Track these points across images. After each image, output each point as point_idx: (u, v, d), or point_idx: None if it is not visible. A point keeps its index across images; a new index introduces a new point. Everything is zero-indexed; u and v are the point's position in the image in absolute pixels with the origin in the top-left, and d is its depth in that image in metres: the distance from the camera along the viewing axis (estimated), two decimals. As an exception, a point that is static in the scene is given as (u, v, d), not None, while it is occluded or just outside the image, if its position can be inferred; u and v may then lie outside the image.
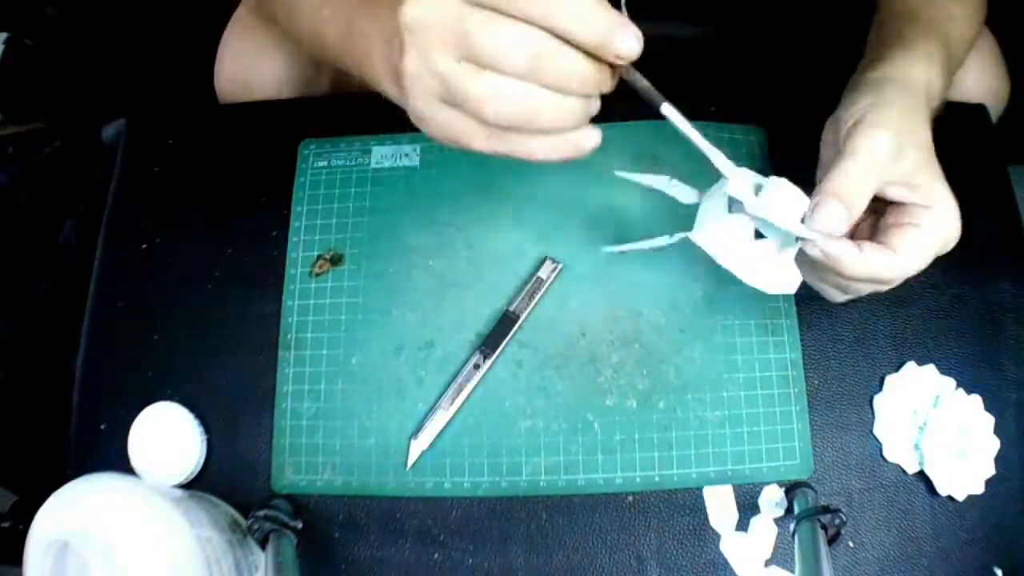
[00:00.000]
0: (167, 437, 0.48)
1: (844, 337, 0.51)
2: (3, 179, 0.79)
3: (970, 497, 0.48)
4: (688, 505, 0.48)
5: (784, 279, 0.42)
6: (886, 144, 0.39)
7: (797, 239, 0.40)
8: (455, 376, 0.49)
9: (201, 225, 0.54)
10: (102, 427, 0.50)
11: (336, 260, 0.53)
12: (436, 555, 0.47)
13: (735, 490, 0.48)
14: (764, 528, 0.47)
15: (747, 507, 0.48)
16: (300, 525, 0.45)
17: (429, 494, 0.48)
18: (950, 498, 0.48)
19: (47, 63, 0.87)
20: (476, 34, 0.31)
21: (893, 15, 0.48)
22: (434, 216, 0.53)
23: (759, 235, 0.41)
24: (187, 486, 0.48)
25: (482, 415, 0.49)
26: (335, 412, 0.49)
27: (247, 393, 0.50)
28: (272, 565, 0.41)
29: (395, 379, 0.50)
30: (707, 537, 0.47)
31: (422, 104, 0.34)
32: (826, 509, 0.42)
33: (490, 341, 0.49)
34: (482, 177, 0.54)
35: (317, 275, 0.52)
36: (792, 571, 0.46)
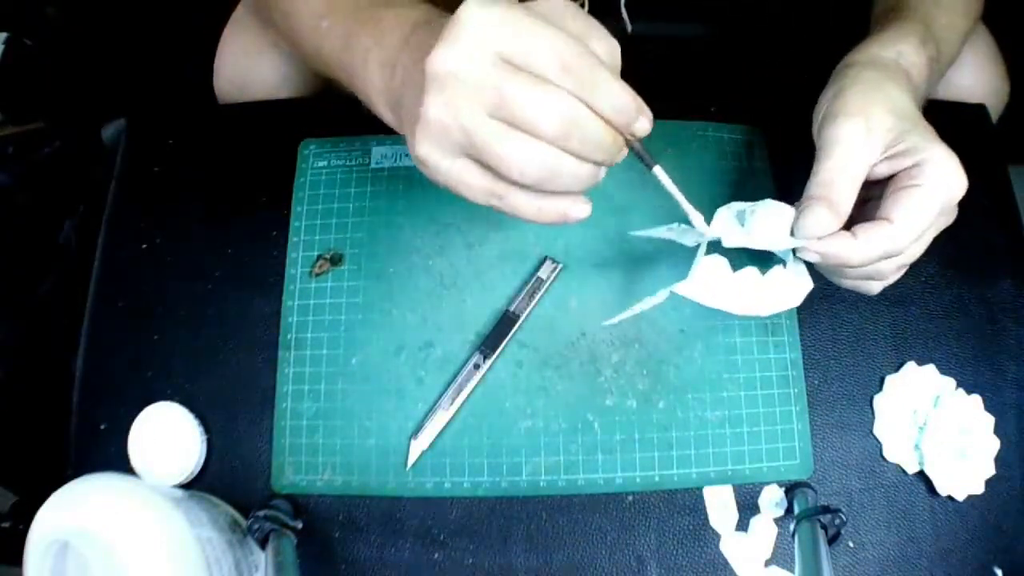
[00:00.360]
0: (167, 437, 0.48)
1: (844, 337, 0.51)
2: (3, 179, 0.79)
3: (970, 497, 0.48)
4: (688, 505, 0.48)
5: (780, 297, 0.42)
6: (853, 131, 0.39)
7: (794, 253, 0.40)
8: (455, 376, 0.49)
9: (201, 225, 0.54)
10: (102, 427, 0.50)
11: (336, 260, 0.53)
12: (436, 555, 0.47)
13: (735, 490, 0.48)
14: (764, 528, 0.47)
15: (747, 507, 0.48)
16: (300, 525, 0.45)
17: (429, 494, 0.48)
18: (950, 498, 0.48)
19: (47, 63, 0.87)
20: (514, 96, 0.31)
21: (882, 10, 0.49)
22: (434, 216, 0.53)
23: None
24: (187, 486, 0.48)
25: (482, 415, 0.49)
26: (335, 412, 0.49)
27: (247, 393, 0.50)
28: (272, 565, 0.41)
29: (395, 379, 0.50)
30: (707, 537, 0.47)
31: (434, 152, 0.34)
32: (826, 509, 0.42)
33: (490, 341, 0.49)
34: (482, 177, 0.54)
35: (317, 275, 0.52)
36: (792, 571, 0.46)
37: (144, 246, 0.54)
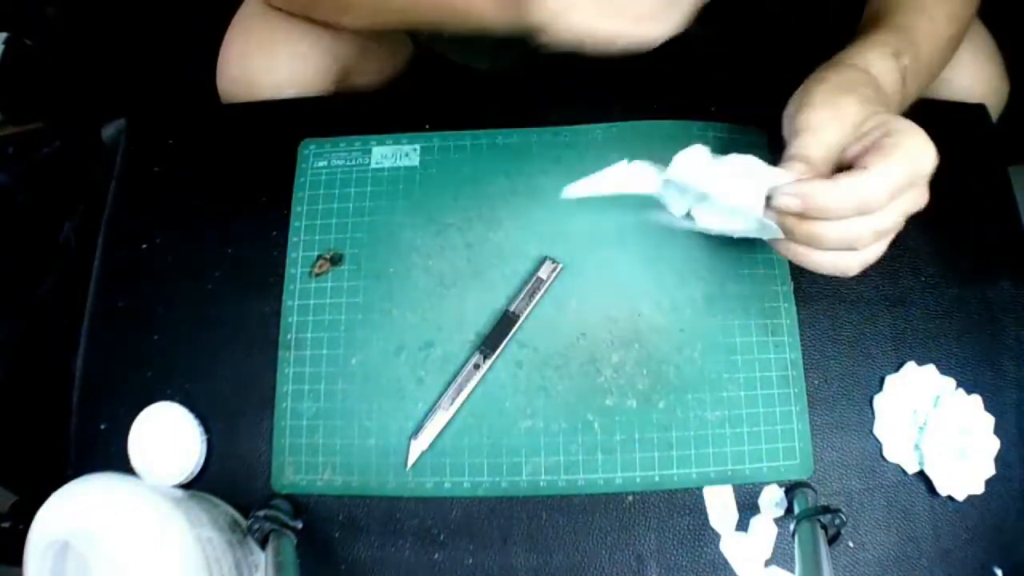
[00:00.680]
0: (167, 437, 0.48)
1: (844, 337, 0.51)
2: (3, 179, 0.79)
3: (970, 497, 0.48)
4: (688, 505, 0.48)
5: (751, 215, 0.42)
6: (822, 116, 0.40)
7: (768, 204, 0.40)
8: (455, 376, 0.49)
9: (201, 225, 0.54)
10: (102, 427, 0.50)
11: (336, 260, 0.53)
12: (436, 555, 0.47)
13: (735, 490, 0.48)
14: (764, 528, 0.47)
15: (747, 507, 0.48)
16: (300, 525, 0.45)
17: (429, 494, 0.48)
18: (950, 498, 0.48)
19: (47, 63, 0.87)
20: None
21: (866, 18, 0.49)
22: (434, 216, 0.53)
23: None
24: (187, 486, 0.48)
25: (482, 415, 0.49)
26: (335, 412, 0.49)
27: (247, 393, 0.50)
28: (272, 565, 0.41)
29: (395, 379, 0.50)
30: (707, 537, 0.47)
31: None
32: (826, 509, 0.42)
33: (490, 341, 0.49)
34: (482, 177, 0.54)
35: (317, 275, 0.52)
36: (792, 571, 0.46)
37: (144, 246, 0.54)
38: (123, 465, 0.48)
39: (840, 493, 0.48)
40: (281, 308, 0.52)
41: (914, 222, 0.53)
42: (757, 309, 0.51)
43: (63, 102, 0.90)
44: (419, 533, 0.48)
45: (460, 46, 0.70)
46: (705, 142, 0.54)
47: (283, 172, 0.55)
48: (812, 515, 0.42)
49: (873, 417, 0.49)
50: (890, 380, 0.50)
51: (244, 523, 0.45)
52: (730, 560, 0.47)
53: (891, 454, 0.48)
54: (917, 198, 0.40)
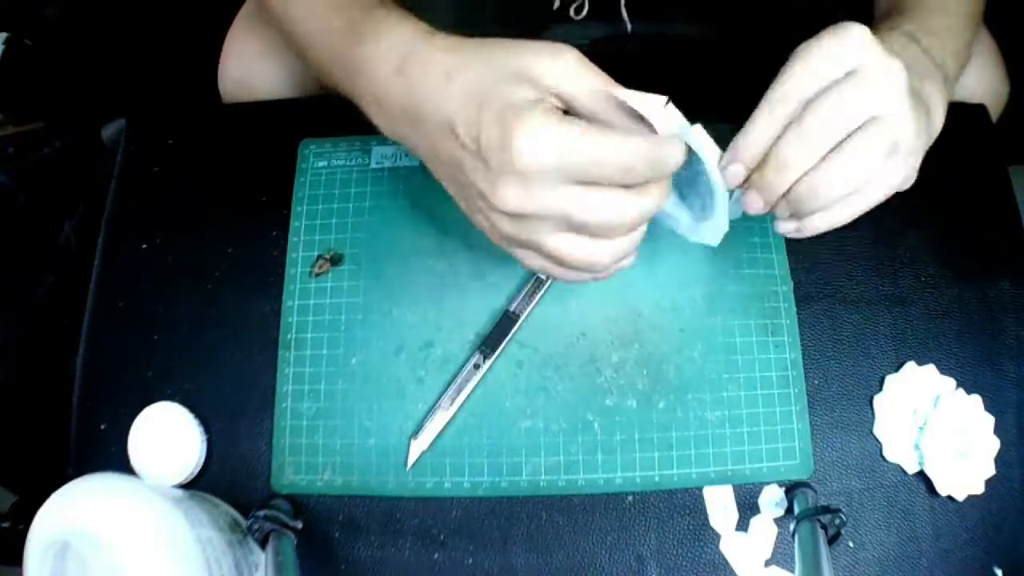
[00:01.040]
0: (167, 437, 0.48)
1: (844, 337, 0.51)
2: (3, 179, 0.79)
3: (970, 497, 0.48)
4: (688, 505, 0.48)
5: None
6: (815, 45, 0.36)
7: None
8: (455, 376, 0.49)
9: (201, 225, 0.54)
10: (102, 427, 0.50)
11: (336, 260, 0.53)
12: (436, 555, 0.47)
13: (735, 490, 0.48)
14: (764, 528, 0.47)
15: (747, 507, 0.48)
16: (300, 525, 0.45)
17: (429, 494, 0.48)
18: (950, 498, 0.48)
19: (47, 63, 0.87)
20: (581, 217, 0.34)
21: (876, 18, 0.49)
22: (434, 216, 0.53)
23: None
24: (187, 486, 0.48)
25: (482, 415, 0.49)
26: (335, 412, 0.49)
27: (247, 393, 0.50)
28: (272, 565, 0.41)
29: (395, 379, 0.50)
30: (707, 537, 0.47)
31: (506, 244, 0.38)
32: (826, 509, 0.42)
33: (490, 341, 0.49)
34: (482, 177, 0.54)
35: (317, 275, 0.52)
36: (792, 571, 0.46)
37: (144, 246, 0.54)
38: (123, 465, 0.48)
39: (840, 493, 0.48)
40: (281, 308, 0.52)
41: (914, 222, 0.53)
42: (757, 309, 0.51)
43: (63, 102, 0.90)
44: (419, 533, 0.48)
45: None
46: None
47: (283, 172, 0.55)
48: (812, 515, 0.42)
49: (873, 417, 0.49)
50: (890, 380, 0.50)
51: (244, 523, 0.45)
52: (730, 560, 0.47)
53: (891, 454, 0.49)
54: (882, 139, 0.35)
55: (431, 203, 0.54)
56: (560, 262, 0.37)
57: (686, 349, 0.50)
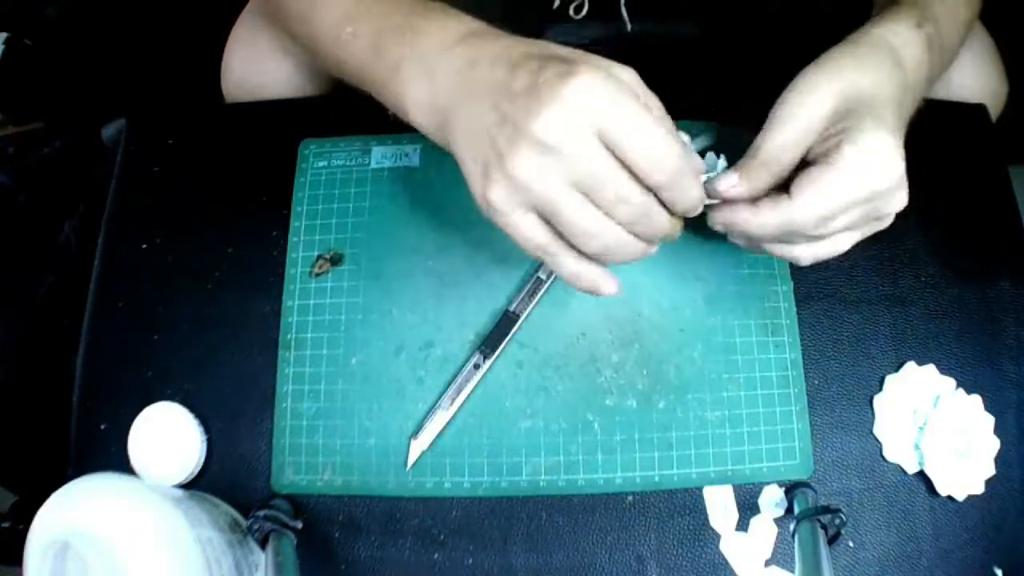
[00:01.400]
0: (167, 437, 0.48)
1: (844, 337, 0.51)
2: (3, 179, 0.79)
3: (970, 497, 0.48)
4: (688, 505, 0.48)
5: None
6: (791, 112, 0.39)
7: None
8: (455, 376, 0.49)
9: (201, 225, 0.54)
10: (102, 427, 0.50)
11: (336, 260, 0.53)
12: (436, 555, 0.47)
13: (735, 490, 0.48)
14: (764, 528, 0.47)
15: (747, 507, 0.48)
16: (300, 525, 0.45)
17: (429, 494, 0.48)
18: (950, 498, 0.48)
19: (47, 63, 0.87)
20: (603, 181, 0.34)
21: (880, 4, 0.49)
22: (434, 216, 0.53)
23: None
24: (187, 486, 0.48)
25: (482, 415, 0.49)
26: (335, 412, 0.49)
27: (247, 393, 0.50)
28: (272, 565, 0.41)
29: (395, 379, 0.50)
30: (707, 537, 0.47)
31: (507, 201, 0.35)
32: (826, 509, 0.42)
33: (490, 341, 0.49)
34: (482, 177, 0.54)
35: (317, 275, 0.52)
36: (792, 571, 0.46)
37: (144, 246, 0.54)
38: (123, 465, 0.48)
39: (840, 493, 0.48)
40: (281, 308, 0.52)
41: (914, 222, 0.53)
42: (757, 309, 0.51)
43: (63, 102, 0.90)
44: (419, 533, 0.48)
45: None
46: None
47: (283, 172, 0.55)
48: (812, 515, 0.42)
49: (873, 417, 0.49)
50: (890, 380, 0.50)
51: (244, 523, 0.45)
52: (730, 560, 0.47)
53: (891, 454, 0.49)
54: (866, 215, 0.39)
55: (431, 203, 0.54)
56: (568, 225, 0.35)
57: (686, 349, 0.50)
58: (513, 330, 0.50)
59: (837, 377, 0.50)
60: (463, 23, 0.39)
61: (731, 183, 0.40)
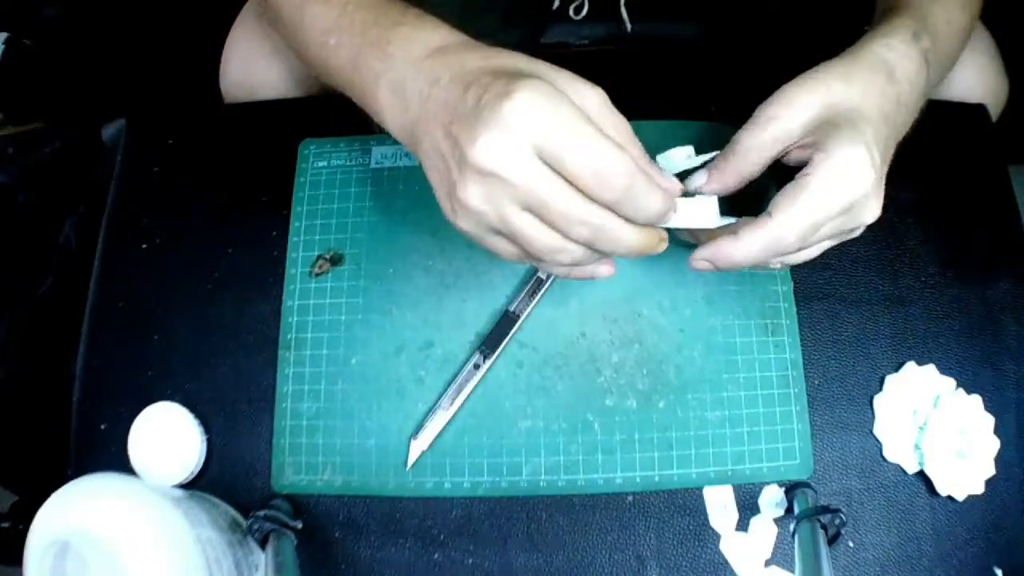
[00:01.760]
0: (167, 437, 0.48)
1: (844, 337, 0.51)
2: (3, 179, 0.79)
3: (970, 497, 0.48)
4: (688, 505, 0.48)
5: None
6: (768, 116, 0.40)
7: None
8: (455, 376, 0.49)
9: (201, 225, 0.54)
10: (102, 427, 0.50)
11: (336, 260, 0.53)
12: (436, 555, 0.47)
13: (735, 490, 0.48)
14: (764, 528, 0.47)
15: (747, 507, 0.48)
16: (300, 525, 0.45)
17: (429, 494, 0.48)
18: (950, 498, 0.48)
19: (47, 63, 0.87)
20: (548, 202, 0.33)
21: (880, 11, 0.49)
22: (434, 215, 0.53)
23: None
24: (187, 486, 0.48)
25: (482, 415, 0.49)
26: (335, 412, 0.49)
27: (247, 393, 0.50)
28: (272, 565, 0.41)
29: (395, 379, 0.50)
30: (707, 537, 0.47)
31: (473, 227, 0.36)
32: (826, 509, 0.42)
33: (490, 341, 0.49)
34: (482, 177, 0.54)
35: (317, 275, 0.52)
36: (792, 571, 0.46)
37: (144, 246, 0.54)
38: (123, 465, 0.48)
39: (840, 493, 0.48)
40: (281, 308, 0.52)
41: (914, 222, 0.53)
42: (757, 309, 0.51)
43: (63, 102, 0.90)
44: (419, 533, 0.48)
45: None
46: (705, 142, 0.54)
47: (283, 172, 0.55)
48: (812, 515, 0.42)
49: (873, 417, 0.49)
50: (890, 380, 0.50)
51: (244, 523, 0.45)
52: (730, 560, 0.47)
53: (891, 454, 0.49)
54: (841, 227, 0.39)
55: (431, 203, 0.53)
56: (528, 246, 0.35)
57: (686, 349, 0.50)
58: (513, 330, 0.50)
59: (837, 377, 0.50)
60: (436, 35, 0.38)
61: (700, 182, 0.41)
